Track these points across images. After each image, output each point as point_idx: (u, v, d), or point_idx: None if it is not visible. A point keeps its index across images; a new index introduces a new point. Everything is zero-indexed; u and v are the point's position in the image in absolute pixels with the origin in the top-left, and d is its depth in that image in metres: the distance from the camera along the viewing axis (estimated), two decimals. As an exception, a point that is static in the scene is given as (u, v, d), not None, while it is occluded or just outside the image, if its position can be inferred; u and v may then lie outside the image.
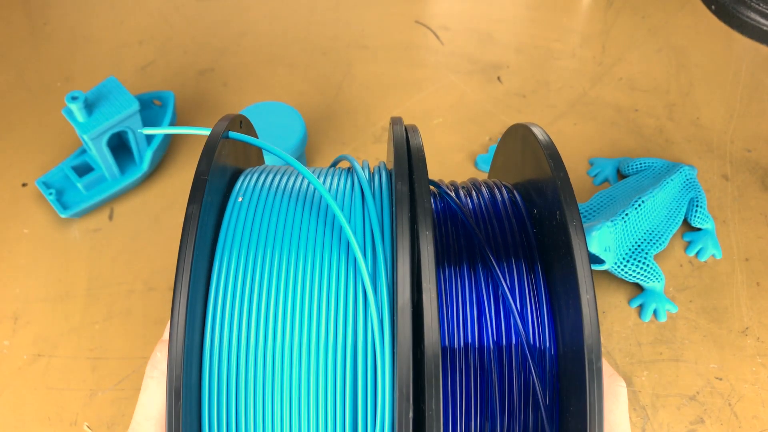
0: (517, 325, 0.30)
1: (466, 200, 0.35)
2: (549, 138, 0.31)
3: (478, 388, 0.30)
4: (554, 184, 0.28)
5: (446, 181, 0.38)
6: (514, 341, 0.30)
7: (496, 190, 0.35)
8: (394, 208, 0.27)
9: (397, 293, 0.25)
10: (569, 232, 0.27)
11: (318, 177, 0.34)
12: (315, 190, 0.32)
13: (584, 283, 0.26)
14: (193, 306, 0.26)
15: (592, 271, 0.26)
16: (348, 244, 0.29)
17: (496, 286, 0.30)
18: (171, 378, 0.25)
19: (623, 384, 0.30)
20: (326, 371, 0.27)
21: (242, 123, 0.35)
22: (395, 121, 0.33)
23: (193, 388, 0.27)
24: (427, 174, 0.28)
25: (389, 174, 0.34)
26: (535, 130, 0.32)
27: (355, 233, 0.29)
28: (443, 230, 0.33)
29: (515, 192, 0.35)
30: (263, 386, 0.27)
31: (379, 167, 0.35)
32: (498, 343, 0.30)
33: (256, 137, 0.40)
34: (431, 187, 0.36)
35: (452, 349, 0.30)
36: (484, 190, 0.36)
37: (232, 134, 0.31)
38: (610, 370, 0.30)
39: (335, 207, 0.29)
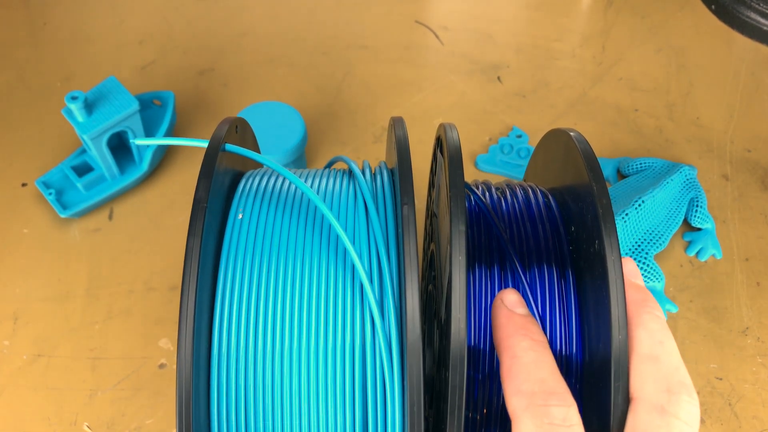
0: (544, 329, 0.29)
1: (500, 201, 0.34)
2: (591, 149, 0.30)
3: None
4: (594, 208, 0.28)
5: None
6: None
7: (531, 194, 0.35)
8: (401, 229, 0.27)
9: (406, 319, 0.25)
10: (605, 255, 0.27)
11: (316, 179, 0.34)
12: (316, 192, 0.32)
13: (616, 300, 0.26)
14: (199, 322, 0.26)
15: (624, 286, 0.26)
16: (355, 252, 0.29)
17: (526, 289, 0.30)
18: (180, 386, 0.25)
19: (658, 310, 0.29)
20: (335, 377, 0.27)
21: (238, 128, 0.34)
22: (396, 124, 0.32)
23: (201, 396, 0.27)
24: (463, 185, 0.27)
25: (390, 174, 0.34)
26: (578, 141, 0.31)
27: (359, 243, 0.29)
28: (476, 229, 0.32)
29: (550, 196, 0.35)
30: (272, 392, 0.28)
31: (380, 167, 0.35)
32: None
33: (254, 137, 0.40)
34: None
35: (477, 350, 0.30)
36: (519, 192, 0.35)
37: (229, 147, 0.31)
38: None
39: (339, 228, 0.28)
